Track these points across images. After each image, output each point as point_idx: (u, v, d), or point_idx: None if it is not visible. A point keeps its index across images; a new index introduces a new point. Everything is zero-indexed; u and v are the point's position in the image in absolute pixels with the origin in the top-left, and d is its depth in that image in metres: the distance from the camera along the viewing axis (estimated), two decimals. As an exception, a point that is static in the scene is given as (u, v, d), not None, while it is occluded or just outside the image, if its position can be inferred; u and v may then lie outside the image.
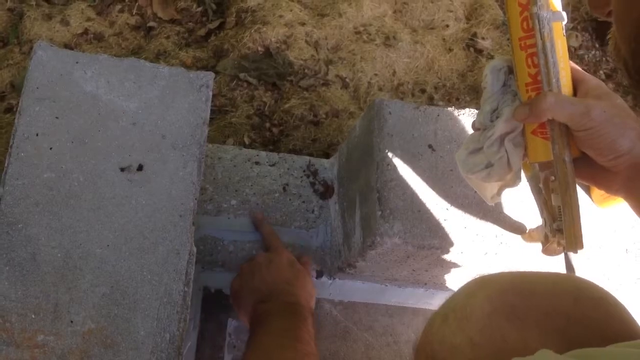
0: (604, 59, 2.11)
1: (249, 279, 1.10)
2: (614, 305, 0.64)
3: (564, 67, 0.80)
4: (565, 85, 0.80)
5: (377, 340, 1.22)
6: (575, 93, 0.81)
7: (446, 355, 0.64)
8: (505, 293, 0.65)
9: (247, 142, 1.59)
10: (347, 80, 1.80)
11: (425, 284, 1.20)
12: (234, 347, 1.15)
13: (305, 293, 1.09)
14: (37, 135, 0.93)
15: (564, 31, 0.81)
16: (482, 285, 0.68)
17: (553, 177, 0.84)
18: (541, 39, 0.79)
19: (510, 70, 0.86)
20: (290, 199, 1.24)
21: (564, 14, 0.80)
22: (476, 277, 0.71)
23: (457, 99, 1.92)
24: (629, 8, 0.42)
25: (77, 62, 0.98)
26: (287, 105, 1.70)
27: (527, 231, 1.02)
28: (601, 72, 2.12)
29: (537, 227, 0.96)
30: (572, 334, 0.57)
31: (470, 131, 0.93)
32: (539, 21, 0.79)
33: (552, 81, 0.79)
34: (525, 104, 0.81)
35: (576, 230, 0.81)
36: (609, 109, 0.75)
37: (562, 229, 0.83)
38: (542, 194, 0.88)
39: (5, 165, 0.91)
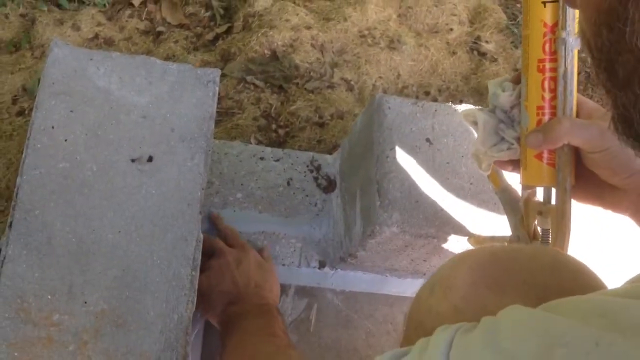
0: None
1: (220, 279, 1.11)
2: (589, 276, 0.68)
3: (575, 94, 0.81)
4: (574, 110, 0.81)
5: (378, 328, 1.26)
6: (577, 116, 0.82)
7: (433, 323, 0.68)
8: (486, 264, 0.69)
9: (254, 144, 1.63)
10: (352, 82, 1.84)
11: (424, 274, 1.25)
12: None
13: (273, 294, 1.14)
14: (52, 127, 0.98)
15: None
16: (465, 258, 0.73)
17: (541, 200, 0.86)
18: (565, 65, 0.78)
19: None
20: (294, 193, 1.28)
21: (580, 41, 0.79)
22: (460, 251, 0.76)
23: (461, 101, 1.95)
24: None
25: (90, 59, 1.03)
26: (293, 107, 1.74)
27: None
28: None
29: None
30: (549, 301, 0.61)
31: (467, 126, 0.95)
32: (565, 47, 0.78)
33: (567, 108, 0.79)
34: (537, 130, 0.81)
35: None
36: None
37: None
38: (520, 211, 0.89)
39: (23, 156, 0.96)
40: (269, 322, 1.05)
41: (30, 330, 0.87)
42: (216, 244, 1.16)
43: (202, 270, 1.05)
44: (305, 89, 1.79)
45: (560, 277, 0.67)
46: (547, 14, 0.79)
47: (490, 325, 0.51)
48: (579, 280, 0.67)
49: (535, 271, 0.67)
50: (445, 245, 1.08)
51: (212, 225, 1.22)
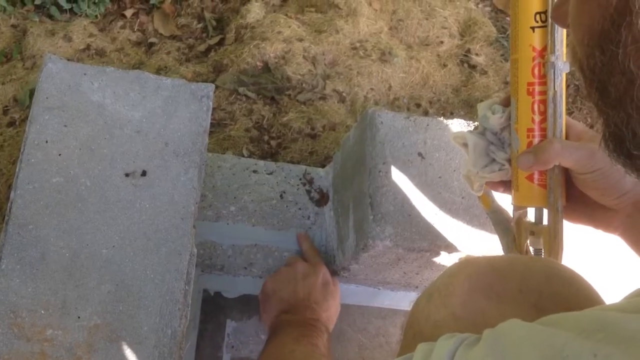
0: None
1: (284, 286, 1.16)
2: (582, 284, 0.70)
3: (564, 116, 0.82)
4: (563, 132, 0.82)
5: (371, 341, 1.27)
6: (566, 138, 0.83)
7: (431, 331, 0.69)
8: (484, 273, 0.70)
9: (246, 155, 1.64)
10: (344, 94, 1.85)
11: (417, 287, 1.25)
12: (232, 347, 1.19)
13: (328, 314, 1.16)
14: (46, 142, 0.98)
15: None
16: (463, 266, 0.74)
17: (534, 221, 0.87)
18: (554, 88, 0.79)
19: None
20: (287, 206, 1.29)
21: (569, 65, 0.80)
22: (457, 260, 0.77)
23: (452, 113, 1.97)
24: (580, 16, 0.47)
25: (85, 74, 1.04)
26: (285, 119, 1.75)
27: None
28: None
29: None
30: (544, 308, 0.62)
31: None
32: (554, 71, 0.79)
33: (557, 130, 0.80)
34: (528, 151, 0.82)
35: None
36: None
37: None
38: (512, 231, 0.91)
39: (17, 170, 0.96)
40: (314, 334, 1.07)
41: (23, 346, 0.87)
42: (293, 257, 1.24)
43: (271, 274, 1.18)
44: (297, 100, 1.80)
45: (554, 285, 0.68)
46: (535, 39, 0.80)
47: (494, 341, 0.52)
48: (573, 288, 0.69)
49: (530, 279, 0.69)
50: (437, 259, 1.09)
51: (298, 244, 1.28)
